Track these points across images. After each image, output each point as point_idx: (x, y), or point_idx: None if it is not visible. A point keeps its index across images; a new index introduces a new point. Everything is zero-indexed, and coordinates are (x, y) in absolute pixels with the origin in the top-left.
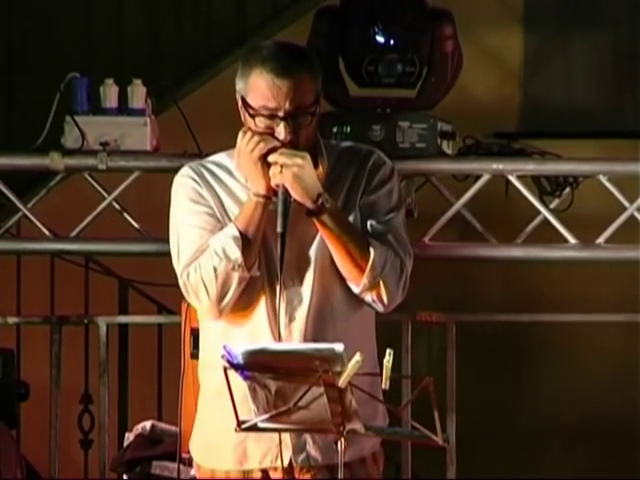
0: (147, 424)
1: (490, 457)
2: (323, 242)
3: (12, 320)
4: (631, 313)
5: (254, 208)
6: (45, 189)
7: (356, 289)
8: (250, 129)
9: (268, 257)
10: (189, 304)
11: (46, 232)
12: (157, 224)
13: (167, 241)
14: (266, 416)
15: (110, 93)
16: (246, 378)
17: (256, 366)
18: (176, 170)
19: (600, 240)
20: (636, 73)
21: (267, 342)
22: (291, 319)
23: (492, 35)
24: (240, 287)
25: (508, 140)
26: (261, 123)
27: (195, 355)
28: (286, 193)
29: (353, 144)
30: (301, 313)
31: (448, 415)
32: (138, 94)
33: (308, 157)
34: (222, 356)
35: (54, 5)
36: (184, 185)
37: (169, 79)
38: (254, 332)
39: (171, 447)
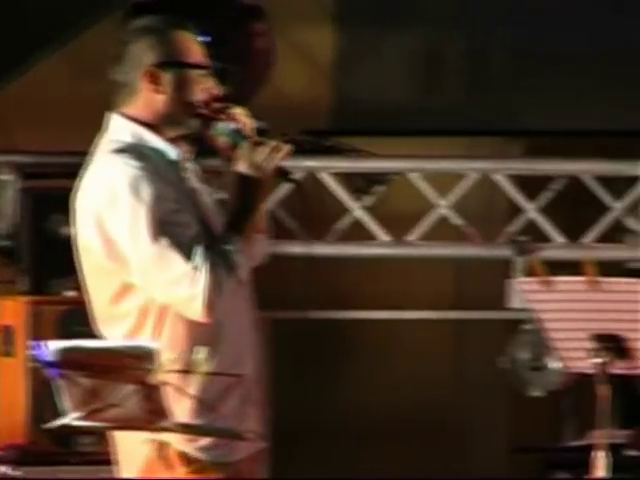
0: None
1: (306, 456)
2: None
3: None
4: (443, 310)
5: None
6: None
7: None
8: (186, 99)
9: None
10: None
11: None
12: None
13: None
14: (79, 414)
15: None
16: (58, 376)
17: (70, 363)
18: None
19: (412, 237)
20: (446, 73)
21: (83, 340)
22: None
23: (303, 32)
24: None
25: (319, 137)
26: (204, 79)
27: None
28: None
29: None
30: None
31: None
32: None
33: None
34: (32, 354)
35: None
36: (143, 184)
37: None
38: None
39: None
